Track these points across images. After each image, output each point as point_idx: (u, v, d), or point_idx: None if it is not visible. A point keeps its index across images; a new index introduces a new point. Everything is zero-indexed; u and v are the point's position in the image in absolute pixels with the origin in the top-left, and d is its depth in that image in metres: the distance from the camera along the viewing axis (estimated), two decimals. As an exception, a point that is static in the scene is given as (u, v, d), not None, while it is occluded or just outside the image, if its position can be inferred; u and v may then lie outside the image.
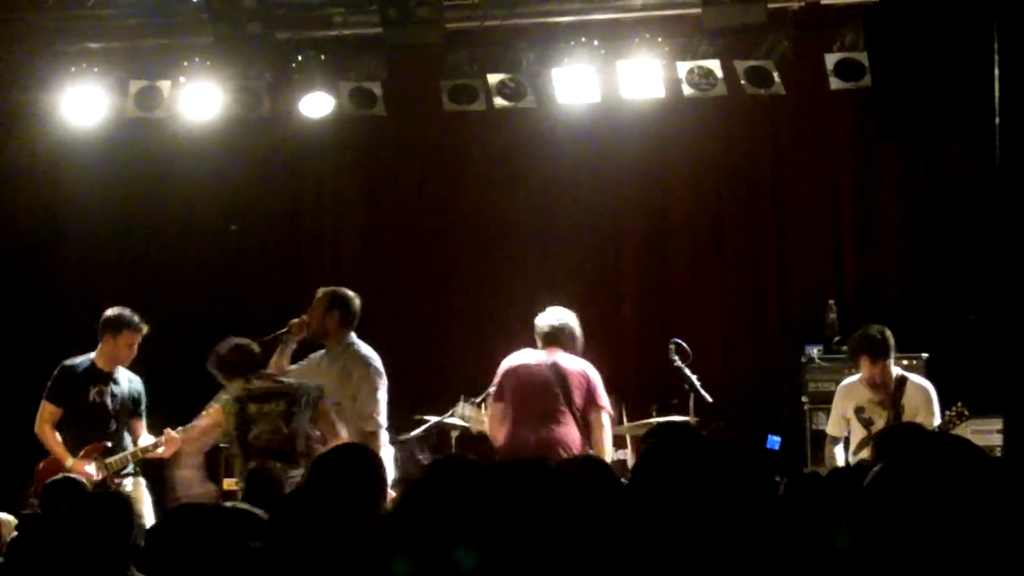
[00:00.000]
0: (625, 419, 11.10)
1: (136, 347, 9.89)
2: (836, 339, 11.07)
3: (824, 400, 10.30)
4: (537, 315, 9.94)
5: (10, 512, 9.40)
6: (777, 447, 8.84)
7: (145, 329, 9.88)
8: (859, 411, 9.38)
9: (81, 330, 10.44)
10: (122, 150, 12.48)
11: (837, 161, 12.30)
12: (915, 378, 9.52)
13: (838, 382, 9.84)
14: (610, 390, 10.46)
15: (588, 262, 12.55)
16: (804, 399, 10.92)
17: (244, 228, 12.98)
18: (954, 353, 10.19)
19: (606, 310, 12.45)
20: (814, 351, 11.13)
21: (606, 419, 9.67)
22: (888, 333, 9.43)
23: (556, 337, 9.76)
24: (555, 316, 9.83)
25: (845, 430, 9.44)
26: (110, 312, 9.91)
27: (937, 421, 9.16)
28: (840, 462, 9.33)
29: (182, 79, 11.72)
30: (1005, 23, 3.12)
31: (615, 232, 12.66)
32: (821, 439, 9.99)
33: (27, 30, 11.87)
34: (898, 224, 12.12)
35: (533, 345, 10.09)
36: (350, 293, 9.60)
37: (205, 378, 11.74)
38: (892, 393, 9.34)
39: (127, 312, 9.88)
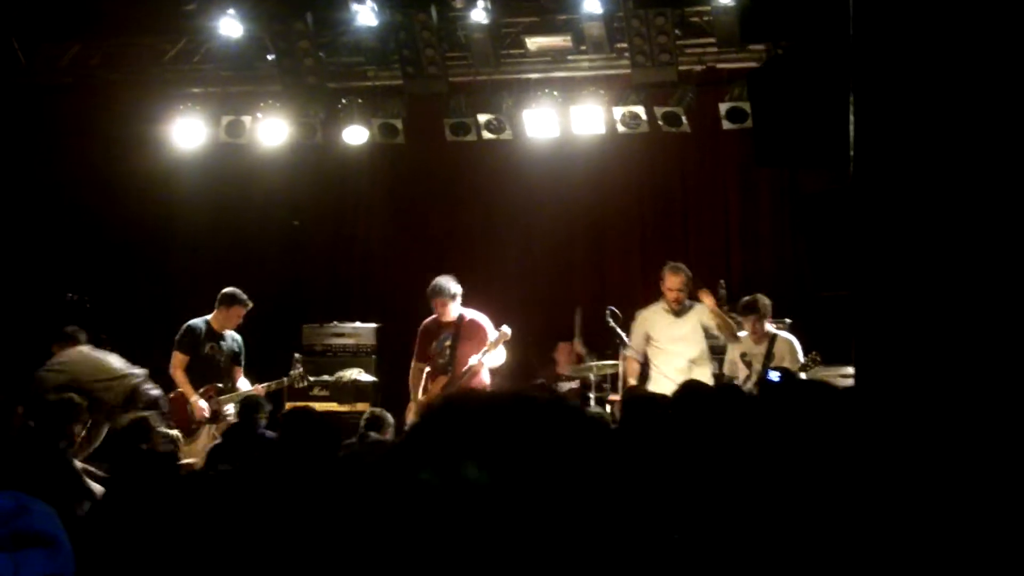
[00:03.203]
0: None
1: (242, 318, 9.80)
2: (725, 308, 10.99)
3: (716, 352, 10.21)
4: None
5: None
6: (779, 379, 8.57)
7: (251, 306, 9.78)
8: (743, 355, 9.34)
9: (185, 298, 10.32)
10: (215, 167, 12.32)
11: (727, 181, 12.21)
12: (783, 334, 9.49)
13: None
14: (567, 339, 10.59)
15: (550, 250, 12.42)
16: (701, 349, 10.84)
17: (303, 224, 12.88)
18: (809, 319, 10.15)
19: (562, 286, 12.40)
20: (709, 316, 11.04)
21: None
22: (764, 301, 9.41)
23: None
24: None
25: (734, 370, 9.42)
26: (228, 290, 9.77)
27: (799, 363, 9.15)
28: None
29: (259, 115, 11.63)
30: (859, 82, 3.08)
31: (569, 229, 12.52)
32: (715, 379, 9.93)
33: (148, 79, 11.76)
34: (771, 227, 12.06)
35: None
36: None
37: (275, 331, 11.74)
38: (767, 344, 9.32)
39: (240, 292, 9.76)
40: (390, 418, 7.73)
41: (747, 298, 9.51)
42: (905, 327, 2.96)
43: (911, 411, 2.78)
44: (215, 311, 9.76)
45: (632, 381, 9.47)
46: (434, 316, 9.61)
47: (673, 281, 9.62)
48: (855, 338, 3.04)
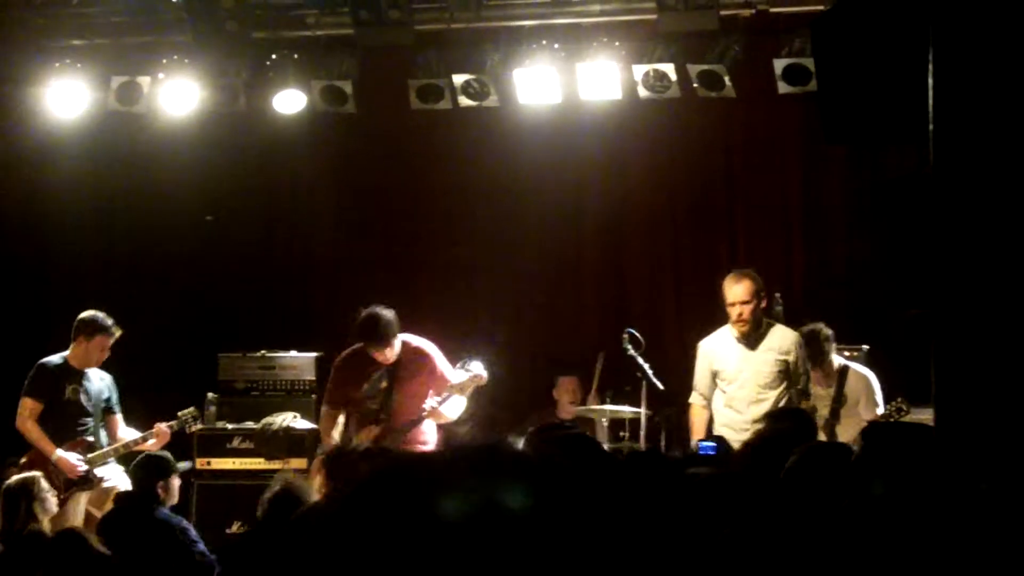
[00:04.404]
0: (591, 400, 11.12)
1: (108, 349, 9.84)
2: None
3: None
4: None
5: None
6: (712, 452, 8.35)
7: (118, 333, 9.82)
8: (804, 399, 9.24)
9: (63, 316, 10.30)
10: (103, 143, 12.35)
11: (786, 161, 12.24)
12: (857, 367, 9.48)
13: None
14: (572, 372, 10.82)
15: (549, 254, 12.46)
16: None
17: (220, 218, 12.88)
18: (893, 346, 10.16)
19: (566, 300, 12.44)
20: (762, 342, 11.05)
21: None
22: (826, 331, 9.35)
23: None
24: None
25: None
26: (85, 315, 9.84)
27: (880, 409, 9.13)
28: None
29: (161, 75, 11.66)
30: (940, 36, 3.10)
31: (575, 226, 12.56)
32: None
33: (13, 26, 11.75)
34: (844, 222, 12.08)
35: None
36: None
37: (182, 363, 11.75)
38: (837, 381, 9.32)
39: (101, 316, 9.81)
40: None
41: (807, 331, 9.38)
42: (999, 357, 2.99)
43: (1009, 462, 2.81)
44: (72, 344, 9.84)
45: (700, 436, 9.00)
46: (356, 348, 9.35)
47: (735, 292, 9.03)
48: (934, 370, 3.07)
